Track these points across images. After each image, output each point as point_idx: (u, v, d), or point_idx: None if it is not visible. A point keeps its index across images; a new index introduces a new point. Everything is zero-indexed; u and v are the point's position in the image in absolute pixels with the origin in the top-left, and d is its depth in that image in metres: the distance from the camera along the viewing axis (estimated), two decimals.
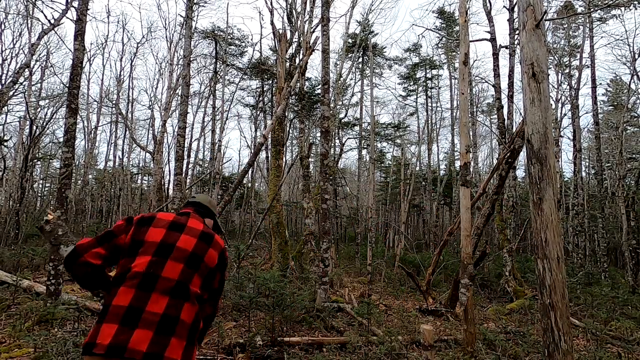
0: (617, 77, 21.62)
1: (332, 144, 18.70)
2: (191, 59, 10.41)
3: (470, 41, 7.35)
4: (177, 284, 1.54)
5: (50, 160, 23.95)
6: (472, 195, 7.83)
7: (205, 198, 2.07)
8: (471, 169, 12.02)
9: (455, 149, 21.56)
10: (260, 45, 22.55)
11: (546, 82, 2.38)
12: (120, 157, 24.77)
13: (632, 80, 15.48)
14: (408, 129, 25.90)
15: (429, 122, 24.15)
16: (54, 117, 17.99)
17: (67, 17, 9.83)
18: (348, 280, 10.49)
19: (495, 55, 11.21)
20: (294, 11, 12.04)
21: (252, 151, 20.24)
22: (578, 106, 15.29)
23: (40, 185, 28.26)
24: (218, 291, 1.78)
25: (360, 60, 21.01)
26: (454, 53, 22.30)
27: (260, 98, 21.45)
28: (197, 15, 19.43)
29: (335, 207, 20.17)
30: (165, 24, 43.03)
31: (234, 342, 4.33)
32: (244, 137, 38.66)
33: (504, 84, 12.03)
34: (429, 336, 5.03)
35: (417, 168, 24.64)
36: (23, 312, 4.84)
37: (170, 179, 22.25)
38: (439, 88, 25.55)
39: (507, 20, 11.45)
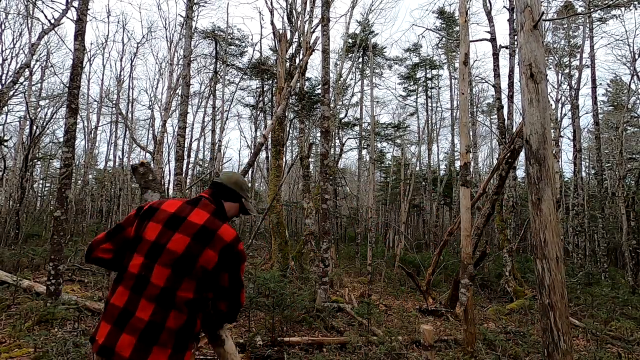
0: (617, 77, 21.63)
1: (332, 144, 18.71)
2: (191, 59, 10.42)
3: (470, 41, 7.36)
4: (162, 291, 1.46)
5: (50, 160, 23.96)
6: (472, 195, 7.84)
7: (230, 177, 1.82)
8: (471, 169, 12.02)
9: (455, 149, 21.56)
10: (260, 45, 22.57)
11: (544, 82, 2.38)
12: (120, 157, 24.79)
13: (632, 81, 15.50)
14: (408, 129, 25.92)
15: (429, 122, 24.15)
16: (54, 117, 18.02)
17: (67, 17, 9.85)
18: (348, 280, 10.49)
19: (496, 56, 11.22)
20: (294, 11, 12.05)
21: (252, 151, 20.26)
22: (578, 106, 15.29)
23: (40, 185, 28.28)
24: (230, 290, 1.60)
25: (360, 60, 21.02)
26: (454, 53, 22.30)
27: (260, 98, 21.46)
28: (197, 15, 19.44)
29: (335, 207, 20.18)
30: (165, 24, 43.04)
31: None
32: (244, 137, 38.69)
33: (504, 84, 12.04)
34: (429, 336, 5.03)
35: (417, 168, 24.65)
36: (23, 312, 4.84)
37: (170, 179, 22.27)
38: (439, 88, 25.57)
39: (507, 20, 11.46)
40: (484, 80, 18.74)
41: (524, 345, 5.05)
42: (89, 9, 6.10)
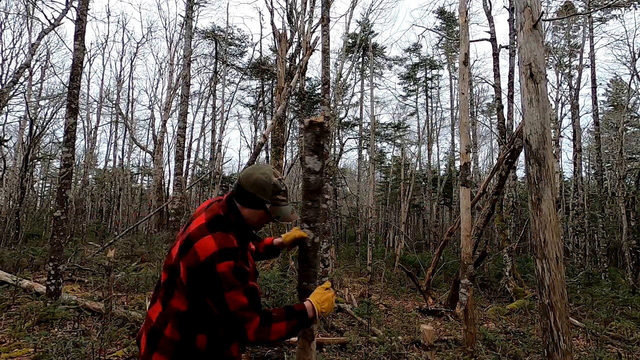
0: (617, 77, 21.63)
1: (332, 144, 18.71)
2: (191, 59, 10.42)
3: (470, 41, 7.35)
4: (163, 297, 1.41)
5: (50, 160, 23.96)
6: (472, 195, 7.84)
7: (249, 175, 1.46)
8: (471, 169, 12.02)
9: (455, 149, 21.56)
10: (260, 45, 22.58)
11: (544, 82, 2.38)
12: (120, 157, 24.81)
13: (632, 81, 15.50)
14: (408, 129, 25.94)
15: (429, 122, 24.16)
16: (54, 117, 18.01)
17: (67, 17, 9.85)
18: (348, 280, 10.49)
19: (496, 56, 11.22)
20: (294, 11, 12.05)
21: (252, 151, 20.26)
22: (578, 106, 15.29)
23: (40, 185, 28.29)
24: (222, 318, 1.31)
25: (360, 60, 21.02)
26: (454, 53, 22.30)
27: (260, 98, 21.46)
28: (197, 15, 19.45)
29: (335, 207, 20.18)
30: (165, 24, 43.07)
31: None
32: (244, 137, 38.69)
33: (504, 84, 12.04)
34: (429, 336, 5.03)
35: (417, 168, 24.66)
36: (23, 312, 4.84)
37: (170, 179, 22.29)
38: (439, 88, 25.58)
39: (507, 20, 11.45)
40: (484, 80, 18.76)
41: (524, 345, 5.05)
42: (89, 9, 6.10)
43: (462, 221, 5.16)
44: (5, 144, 11.64)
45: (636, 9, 13.50)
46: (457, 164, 19.87)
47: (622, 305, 7.92)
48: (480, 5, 18.76)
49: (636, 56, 14.42)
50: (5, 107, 14.01)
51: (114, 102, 22.58)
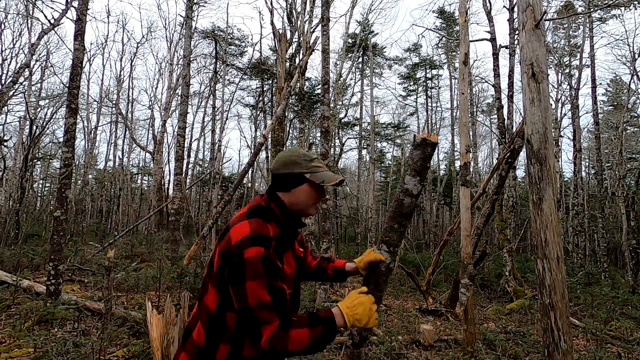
0: (617, 77, 21.64)
1: (332, 144, 18.71)
2: (191, 59, 10.41)
3: (470, 41, 7.36)
4: (200, 294, 1.34)
5: (50, 160, 23.96)
6: (472, 195, 7.84)
7: (277, 159, 1.41)
8: (471, 169, 12.03)
9: (455, 149, 21.57)
10: (260, 45, 22.61)
11: (546, 82, 2.38)
12: (120, 157, 24.81)
13: (632, 80, 15.50)
14: (408, 129, 25.94)
15: (429, 122, 24.18)
16: (54, 117, 18.02)
17: (67, 17, 9.85)
18: (348, 280, 10.48)
19: (495, 55, 11.21)
20: (294, 11, 12.06)
21: (252, 151, 20.25)
22: (578, 106, 15.29)
23: (40, 185, 28.29)
24: (240, 312, 1.18)
25: (360, 60, 21.02)
26: (454, 53, 22.31)
27: (260, 98, 21.47)
28: (197, 15, 19.45)
29: (335, 207, 20.18)
30: (165, 24, 43.08)
31: None
32: (244, 137, 38.65)
33: (504, 84, 12.03)
34: (429, 336, 5.02)
35: None
36: (23, 312, 4.84)
37: (170, 179, 22.29)
38: (439, 88, 25.59)
39: (507, 20, 11.45)
40: (484, 80, 18.76)
41: (524, 345, 5.04)
42: (88, 9, 6.10)
43: (462, 221, 5.16)
44: (5, 144, 11.64)
45: (636, 9, 13.51)
46: (457, 163, 19.88)
47: (622, 305, 7.92)
48: (480, 5, 18.77)
49: (636, 56, 14.42)
50: (5, 107, 14.00)
51: (114, 102, 22.59)
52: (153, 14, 75.38)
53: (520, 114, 12.99)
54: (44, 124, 15.94)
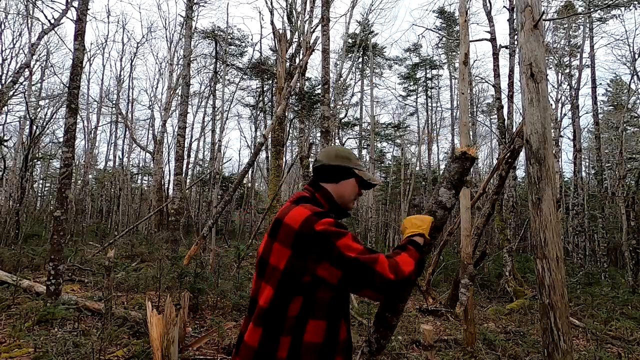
0: (617, 77, 21.65)
1: (332, 144, 18.70)
2: (191, 59, 10.41)
3: (470, 41, 7.35)
4: (251, 301, 1.30)
5: (50, 160, 23.97)
6: (472, 195, 7.83)
7: (329, 152, 1.45)
8: (471, 169, 12.01)
9: (455, 149, 21.55)
10: (260, 45, 22.65)
11: (544, 82, 2.38)
12: (120, 157, 24.82)
13: (632, 80, 15.47)
14: (408, 129, 25.98)
15: (429, 122, 24.19)
16: (54, 117, 18.03)
17: (67, 17, 9.85)
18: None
19: (495, 55, 11.21)
20: (294, 11, 12.06)
21: (252, 151, 20.26)
22: (578, 106, 15.29)
23: (40, 185, 28.30)
24: (351, 277, 1.12)
25: (360, 60, 21.03)
26: (454, 53, 22.32)
27: (260, 98, 21.48)
28: (197, 15, 19.44)
29: None
30: (165, 24, 43.08)
31: (234, 342, 4.33)
32: (244, 137, 38.81)
33: (504, 84, 12.04)
34: (429, 336, 5.04)
35: (417, 168, 24.67)
36: (23, 312, 4.84)
37: (170, 179, 22.28)
38: (439, 88, 25.61)
39: (507, 20, 11.45)
40: (484, 80, 18.76)
41: (524, 345, 5.05)
42: (88, 9, 6.10)
43: (462, 221, 5.16)
44: (5, 144, 11.64)
45: (636, 9, 13.51)
46: None
47: (622, 305, 7.91)
48: (480, 5, 18.78)
49: (636, 56, 14.41)
50: (5, 107, 14.01)
51: (114, 102, 22.60)
52: (153, 14, 75.46)
53: (520, 114, 12.99)
54: (44, 124, 15.95)
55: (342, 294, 1.26)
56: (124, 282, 6.84)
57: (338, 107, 18.07)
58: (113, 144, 24.50)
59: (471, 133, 18.39)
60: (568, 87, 16.88)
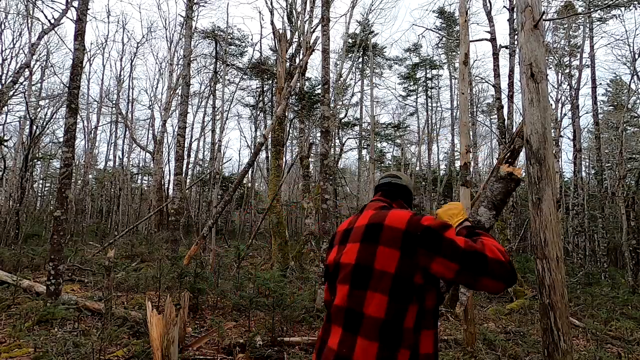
0: (617, 77, 21.65)
1: (332, 144, 18.71)
2: (191, 59, 10.42)
3: (470, 41, 7.35)
4: (347, 313, 1.21)
5: (50, 160, 23.97)
6: (472, 195, 7.84)
7: (408, 178, 1.60)
8: (471, 169, 12.01)
9: (455, 149, 21.58)
10: (260, 45, 22.64)
11: (545, 82, 2.38)
12: (120, 157, 24.82)
13: (632, 80, 15.47)
14: (408, 129, 25.98)
15: (429, 122, 24.18)
16: (54, 117, 18.03)
17: (67, 17, 9.85)
18: None
19: (495, 55, 11.21)
20: (294, 11, 12.06)
21: (252, 151, 20.25)
22: (578, 106, 15.29)
23: (40, 185, 28.30)
24: (467, 266, 1.14)
25: (360, 60, 21.04)
26: (454, 53, 22.32)
27: (260, 98, 21.48)
28: (197, 15, 19.43)
29: (335, 207, 20.18)
30: (165, 24, 43.02)
31: (234, 342, 4.33)
32: (244, 137, 38.79)
33: (504, 84, 12.04)
34: None
35: (417, 168, 24.67)
36: (23, 312, 4.84)
37: (170, 179, 22.28)
38: (439, 88, 25.61)
39: (507, 20, 11.46)
40: (484, 80, 18.76)
41: (524, 345, 5.04)
42: (89, 9, 6.10)
43: None
44: (5, 144, 11.64)
45: (636, 9, 13.51)
46: (457, 164, 19.89)
47: (622, 305, 7.91)
48: (480, 5, 18.77)
49: (636, 56, 14.41)
50: (5, 107, 14.01)
51: (114, 102, 22.60)
52: (153, 14, 75.44)
53: (520, 114, 12.99)
54: (44, 124, 15.95)
55: (439, 302, 1.28)
56: (124, 282, 6.85)
57: (338, 107, 18.07)
58: (113, 144, 24.52)
59: (471, 133, 18.40)
60: (568, 87, 16.88)
